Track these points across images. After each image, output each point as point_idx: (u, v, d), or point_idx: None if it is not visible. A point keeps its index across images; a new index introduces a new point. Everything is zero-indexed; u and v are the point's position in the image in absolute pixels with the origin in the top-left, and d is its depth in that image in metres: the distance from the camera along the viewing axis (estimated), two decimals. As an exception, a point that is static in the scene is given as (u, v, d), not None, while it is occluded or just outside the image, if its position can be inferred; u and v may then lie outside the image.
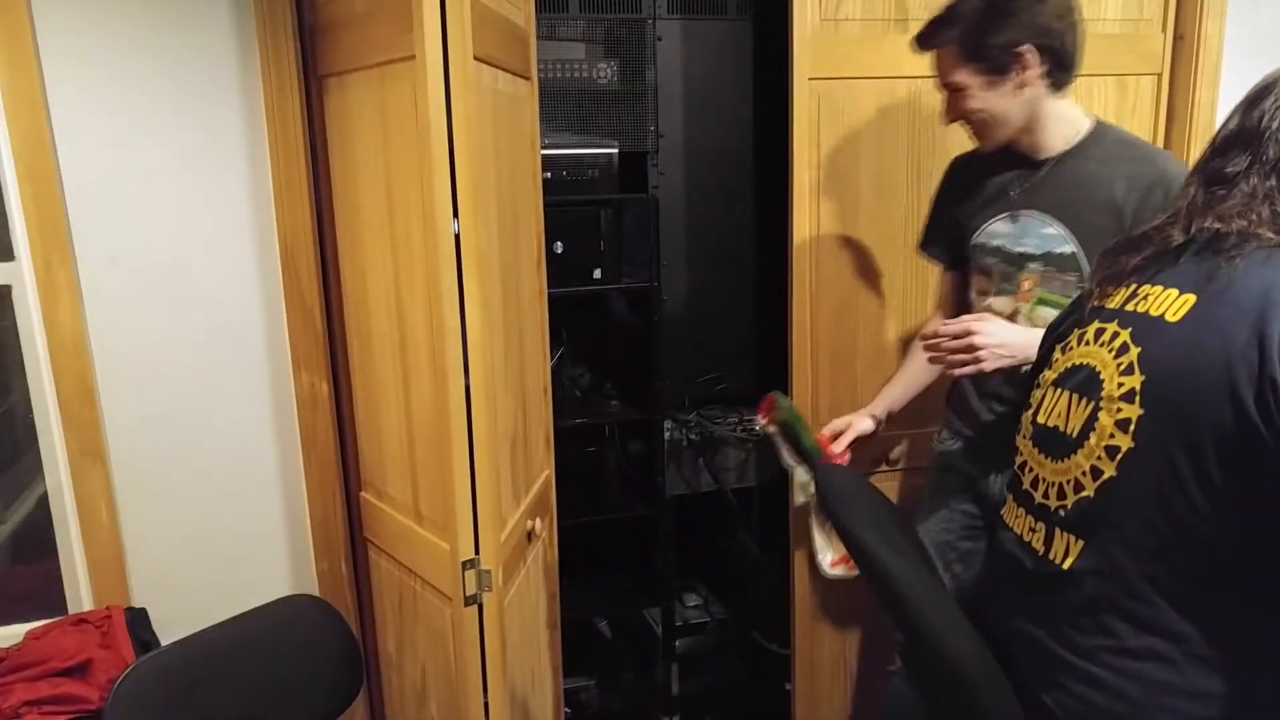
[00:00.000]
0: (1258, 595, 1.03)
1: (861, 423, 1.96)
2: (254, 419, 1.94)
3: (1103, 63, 2.26)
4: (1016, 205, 1.79)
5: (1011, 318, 1.78)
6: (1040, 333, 1.48)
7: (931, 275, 2.15)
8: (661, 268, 2.32)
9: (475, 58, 1.49)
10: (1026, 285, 1.78)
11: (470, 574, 1.53)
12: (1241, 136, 1.13)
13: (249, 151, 1.85)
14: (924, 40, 1.77)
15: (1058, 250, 1.74)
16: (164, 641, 1.68)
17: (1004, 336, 1.61)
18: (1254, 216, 1.08)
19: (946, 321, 1.68)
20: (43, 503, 1.89)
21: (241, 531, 1.98)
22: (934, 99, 2.17)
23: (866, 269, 2.22)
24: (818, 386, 2.21)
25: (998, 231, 1.81)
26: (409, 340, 1.66)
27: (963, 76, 1.71)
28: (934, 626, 1.19)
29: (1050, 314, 1.70)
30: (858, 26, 2.14)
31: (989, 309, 1.81)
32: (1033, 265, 1.76)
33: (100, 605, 1.85)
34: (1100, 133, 1.75)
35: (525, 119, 1.93)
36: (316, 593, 2.00)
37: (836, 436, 1.96)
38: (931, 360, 1.73)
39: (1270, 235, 1.07)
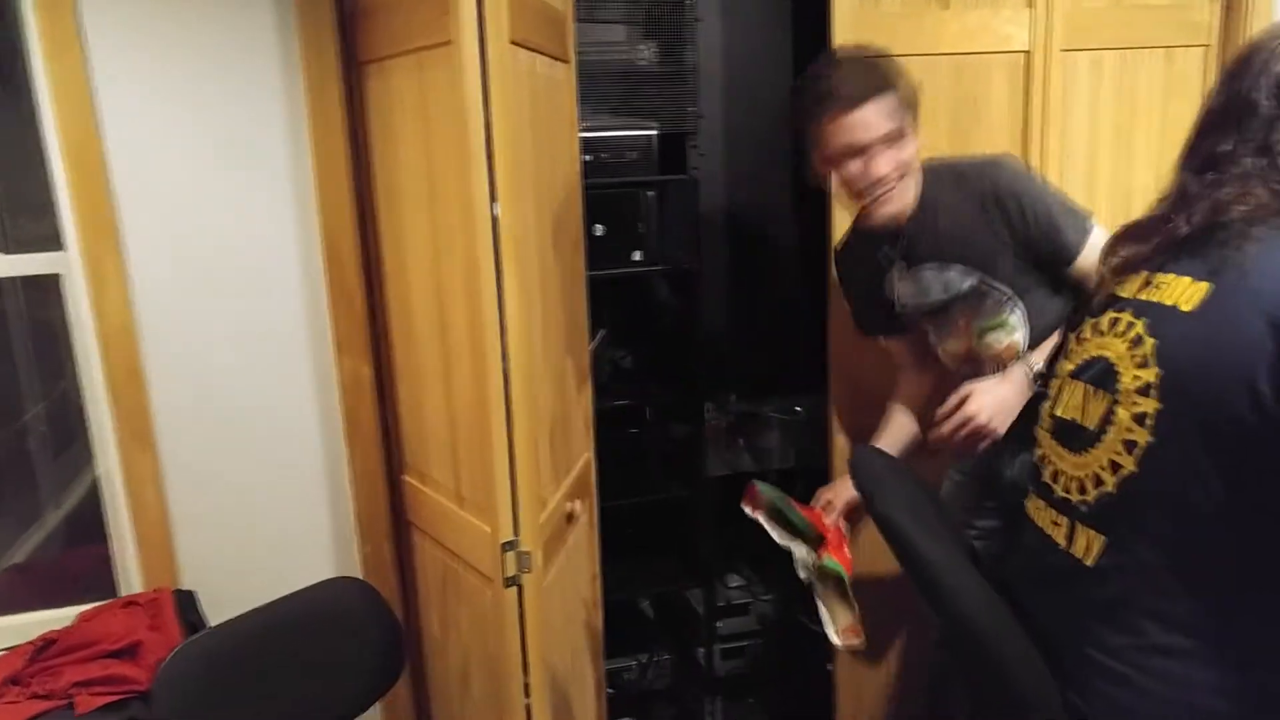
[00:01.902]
0: (1273, 598, 1.01)
1: (846, 491, 1.92)
2: (298, 404, 1.98)
3: (1149, 35, 2.21)
4: (903, 269, 1.82)
5: (967, 354, 1.83)
6: (1019, 369, 1.56)
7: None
8: (702, 250, 2.32)
9: (512, 42, 1.50)
10: (961, 324, 1.81)
11: (510, 555, 1.55)
12: (1226, 114, 1.10)
13: (291, 139, 1.88)
14: (853, 102, 1.64)
15: (963, 288, 1.77)
16: (212, 623, 1.72)
17: (996, 398, 1.63)
18: (1252, 199, 1.05)
19: (938, 418, 1.67)
20: (94, 489, 1.94)
21: (286, 515, 2.02)
22: (976, 75, 2.15)
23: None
24: (858, 370, 2.19)
25: (906, 293, 1.84)
26: (449, 325, 1.67)
27: (893, 128, 1.64)
28: (970, 611, 1.18)
29: (998, 336, 1.78)
30: (898, 3, 2.11)
31: (945, 353, 1.87)
32: (955, 307, 1.79)
33: (149, 588, 1.90)
34: (928, 172, 1.76)
35: (564, 102, 1.93)
36: (360, 575, 2.03)
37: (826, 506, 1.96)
38: (951, 452, 1.71)
39: (1272, 215, 1.03)
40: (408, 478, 2.00)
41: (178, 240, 1.86)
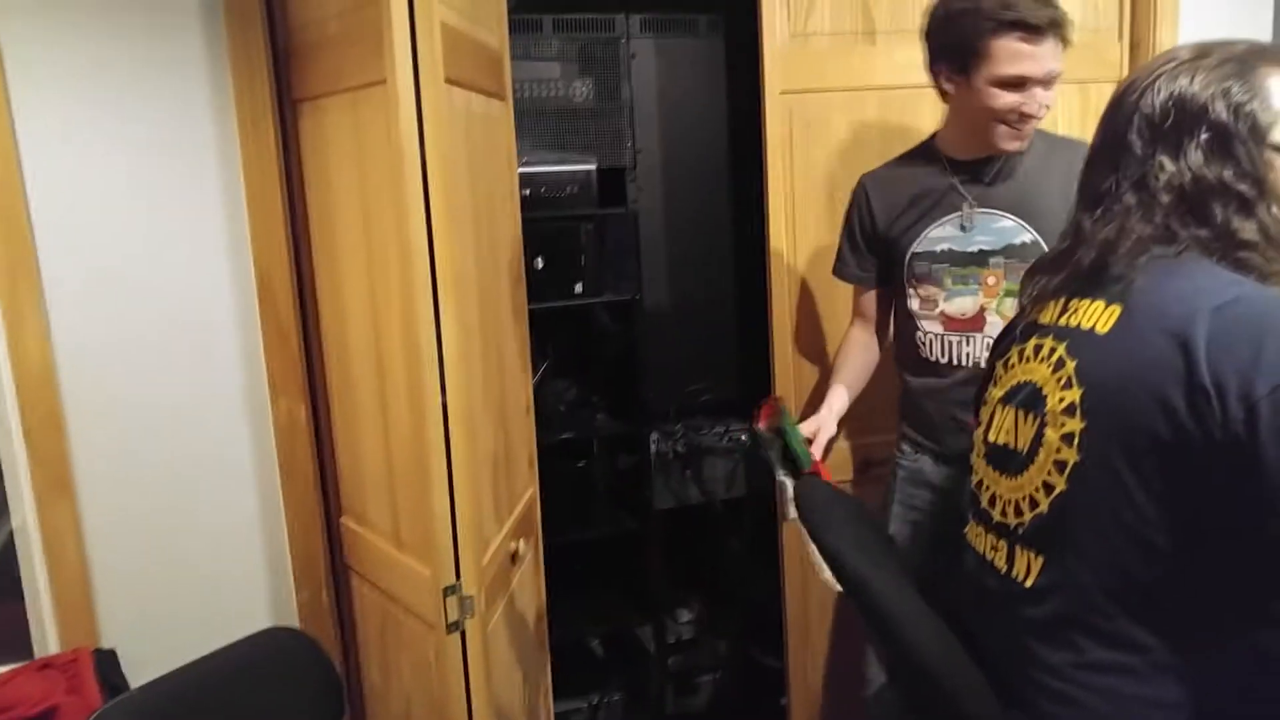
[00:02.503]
0: (1215, 603, 1.03)
1: (829, 425, 1.85)
2: (231, 446, 1.92)
3: (1066, 71, 2.28)
4: (970, 206, 1.79)
5: (978, 315, 1.79)
6: None
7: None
8: (643, 280, 2.32)
9: (447, 80, 1.49)
10: (991, 280, 1.78)
11: (452, 600, 1.52)
12: (1105, 151, 1.13)
13: (223, 177, 1.84)
14: (1055, 27, 1.64)
15: (1017, 241, 1.76)
16: (135, 684, 1.64)
17: None
18: (1134, 235, 1.08)
19: None
20: (9, 542, 1.86)
21: (218, 564, 1.95)
22: (904, 108, 2.19)
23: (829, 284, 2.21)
24: (800, 394, 2.21)
25: (943, 236, 1.81)
26: (386, 363, 1.65)
27: (1061, 69, 1.69)
28: (917, 639, 1.19)
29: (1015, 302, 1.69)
30: (826, 40, 2.15)
31: (943, 315, 1.82)
32: (994, 260, 1.78)
33: (67, 647, 1.81)
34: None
35: (501, 138, 1.92)
36: (297, 624, 1.97)
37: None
38: None
39: (1156, 248, 1.07)
40: (346, 520, 1.95)
41: (101, 280, 1.80)
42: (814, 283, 2.20)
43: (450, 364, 1.48)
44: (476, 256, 1.67)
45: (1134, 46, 2.35)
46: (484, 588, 1.58)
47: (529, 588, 1.99)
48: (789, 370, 2.19)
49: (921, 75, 2.18)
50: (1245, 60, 1.09)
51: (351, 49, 1.57)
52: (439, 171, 1.45)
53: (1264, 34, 2.43)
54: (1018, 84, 1.66)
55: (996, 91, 1.67)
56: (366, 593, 1.90)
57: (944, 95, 1.79)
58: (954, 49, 1.70)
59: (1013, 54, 1.64)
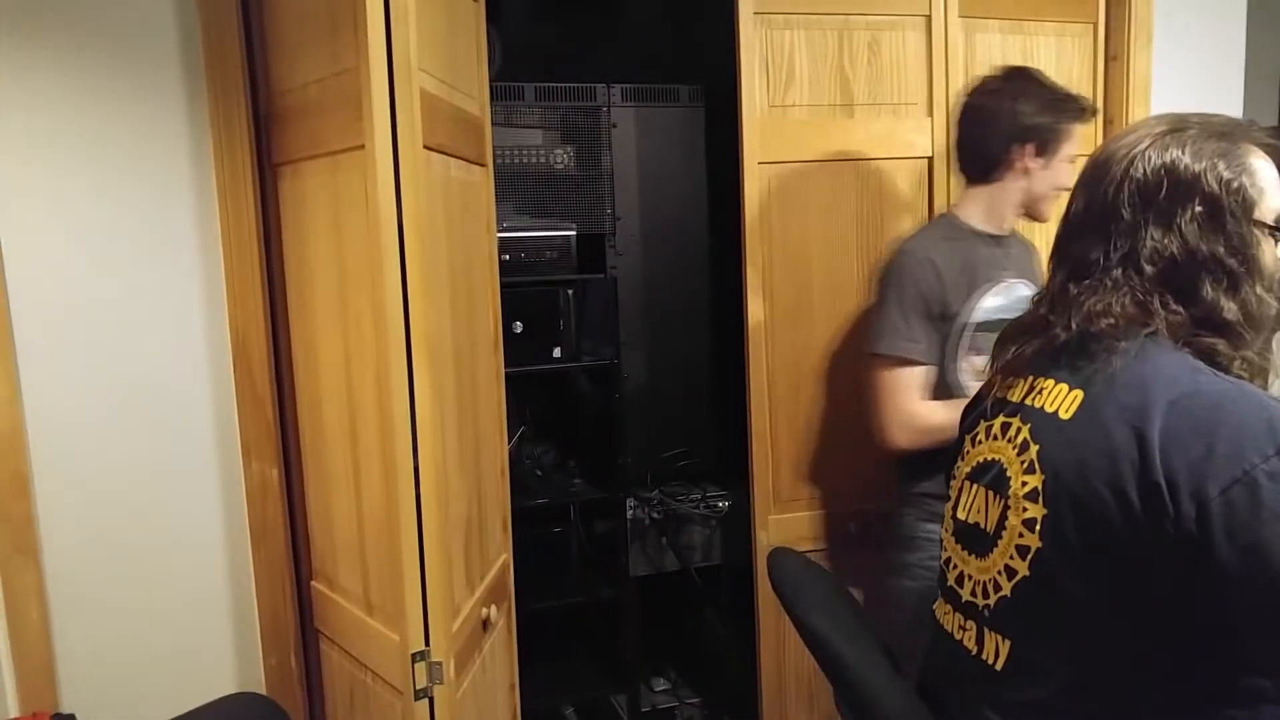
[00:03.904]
0: (1180, 687, 1.02)
1: None
2: (200, 509, 1.90)
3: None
4: (1007, 276, 1.90)
5: None
6: None
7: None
8: (621, 346, 2.34)
9: (426, 146, 1.51)
10: None
11: (420, 666, 1.49)
12: (1091, 218, 1.12)
13: (201, 239, 1.85)
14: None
15: None
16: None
17: None
18: (1118, 310, 1.07)
19: None
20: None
21: (185, 627, 1.91)
22: (881, 177, 2.24)
23: (820, 345, 2.23)
24: (777, 464, 2.21)
25: (993, 306, 1.86)
26: (360, 427, 1.64)
27: None
28: (890, 714, 1.17)
29: None
30: (804, 112, 2.20)
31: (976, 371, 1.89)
32: None
33: (26, 711, 1.77)
34: None
35: (480, 204, 1.94)
36: (264, 689, 1.92)
37: None
38: None
39: (1138, 326, 1.07)
40: (316, 585, 1.92)
41: (73, 342, 1.79)
42: (791, 351, 2.21)
43: (423, 428, 1.47)
44: (453, 320, 1.67)
45: (1108, 123, 2.42)
46: (454, 654, 1.55)
47: (501, 655, 1.96)
48: (766, 438, 2.19)
49: (899, 147, 2.25)
50: (1229, 135, 1.10)
51: (331, 114, 1.59)
52: (415, 236, 1.46)
53: (1235, 113, 2.50)
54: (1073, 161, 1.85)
55: (1070, 168, 1.85)
56: (336, 658, 1.86)
57: (988, 174, 1.91)
58: (1039, 132, 1.84)
59: (1080, 136, 1.89)
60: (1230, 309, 1.06)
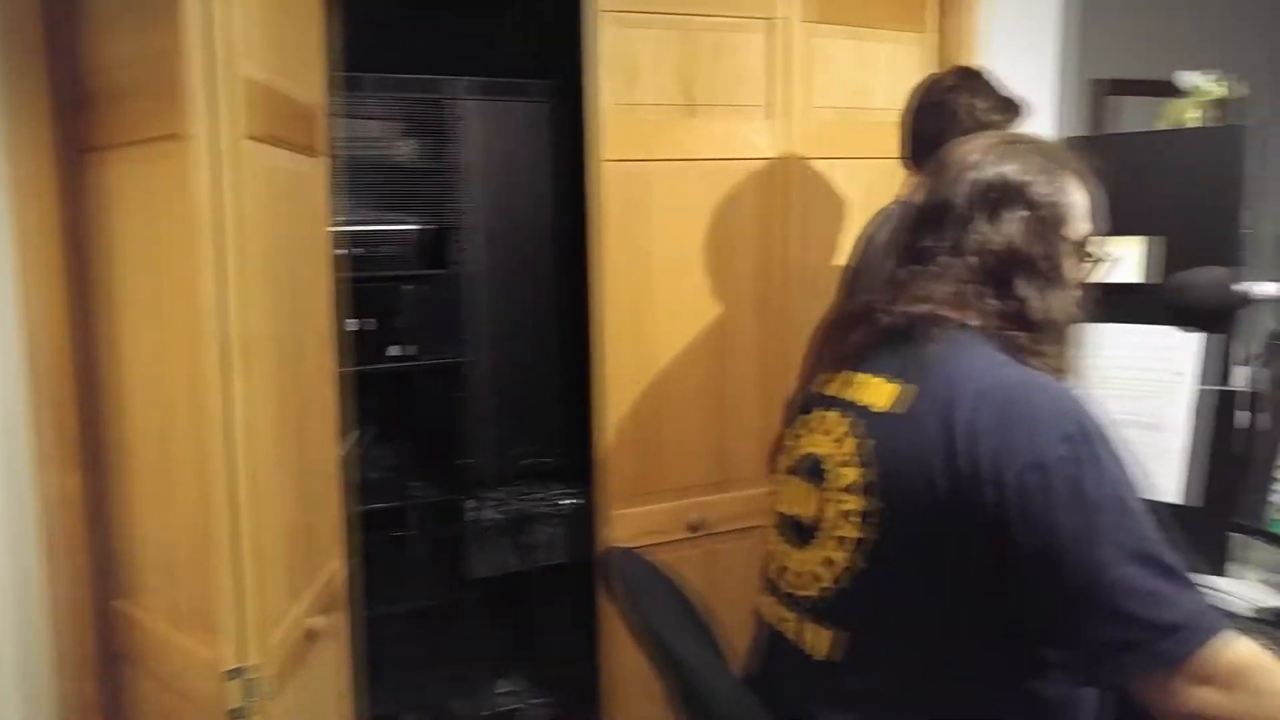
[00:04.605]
0: (996, 663, 1.07)
1: None
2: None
3: (878, 146, 2.37)
4: None
5: None
6: None
7: (735, 343, 2.18)
8: (466, 344, 2.29)
9: (251, 136, 1.44)
10: None
11: (236, 684, 1.41)
12: (928, 211, 1.21)
13: (-6, 232, 1.70)
14: None
15: None
16: None
17: None
18: (939, 297, 1.15)
19: None
20: None
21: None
22: (727, 179, 2.27)
23: (665, 341, 2.24)
24: (623, 458, 2.21)
25: None
26: (173, 432, 1.55)
27: None
28: (724, 715, 1.19)
29: None
30: (650, 111, 2.20)
31: None
32: None
33: None
34: None
35: (313, 196, 1.86)
36: None
37: None
38: None
39: (951, 314, 1.14)
40: (120, 603, 1.79)
41: None
42: (636, 347, 2.21)
43: (241, 431, 1.40)
44: (277, 318, 1.60)
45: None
46: (274, 669, 1.48)
47: (331, 667, 1.89)
48: (611, 434, 2.19)
49: (742, 148, 2.29)
50: (1055, 159, 1.22)
51: (146, 98, 1.50)
52: (235, 230, 1.38)
53: (1047, 119, 2.64)
54: None
55: None
56: (142, 681, 1.74)
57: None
58: (993, 127, 1.88)
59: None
60: (1037, 307, 1.15)
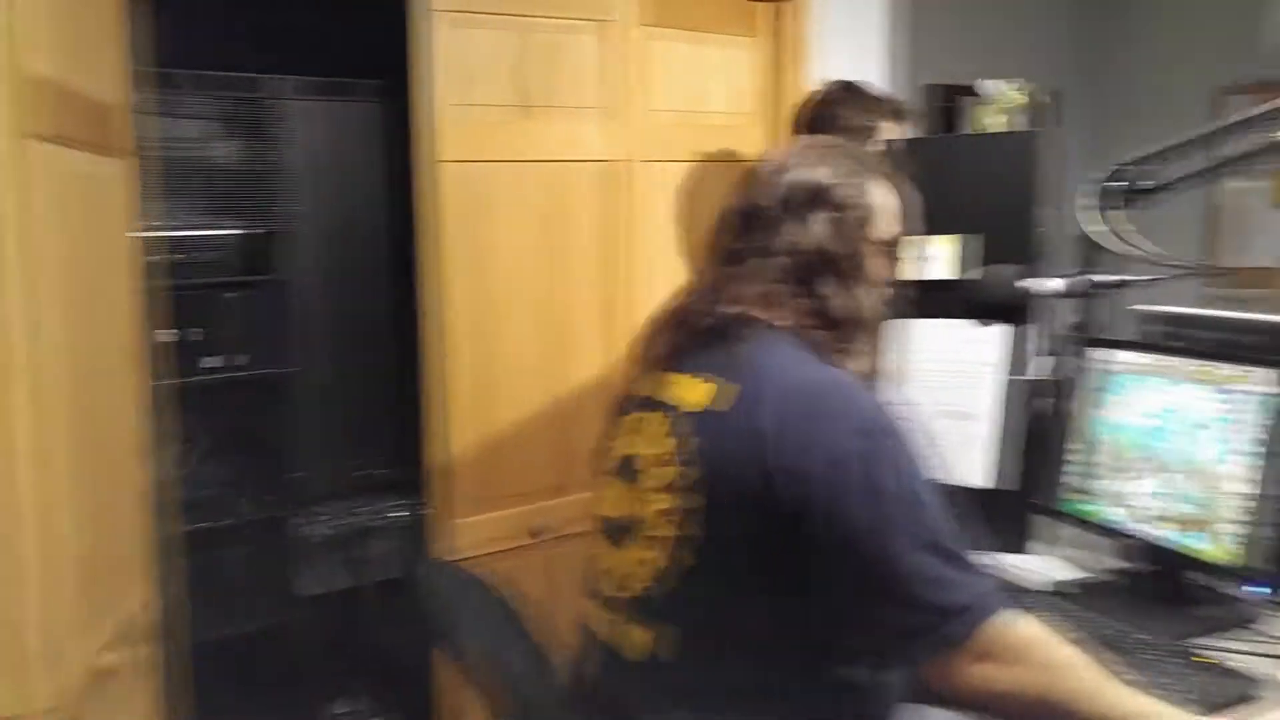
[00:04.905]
0: (811, 652, 1.10)
1: None
2: None
3: (716, 149, 2.47)
4: None
5: None
6: None
7: (576, 345, 2.17)
8: (297, 352, 2.20)
9: (37, 136, 1.33)
10: None
11: (17, 730, 1.31)
12: (741, 215, 1.24)
13: None
14: None
15: None
16: None
17: None
18: (750, 297, 1.18)
19: None
20: None
21: None
22: (565, 182, 2.25)
23: (508, 347, 2.21)
24: (464, 468, 2.16)
25: None
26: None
27: None
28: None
29: None
30: (486, 112, 2.17)
31: None
32: None
33: None
34: None
35: (114, 200, 1.75)
36: None
37: None
38: None
39: (761, 314, 1.17)
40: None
41: None
42: (477, 354, 2.17)
43: (22, 457, 1.29)
44: (73, 331, 1.49)
45: (775, 126, 2.57)
46: (63, 711, 1.38)
47: (137, 705, 1.77)
48: (452, 442, 2.15)
49: (580, 150, 2.28)
50: (863, 163, 1.26)
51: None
52: (18, 236, 1.28)
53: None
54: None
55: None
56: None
57: None
58: (869, 132, 2.05)
59: (892, 130, 2.08)
60: (841, 305, 1.19)
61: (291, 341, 2.18)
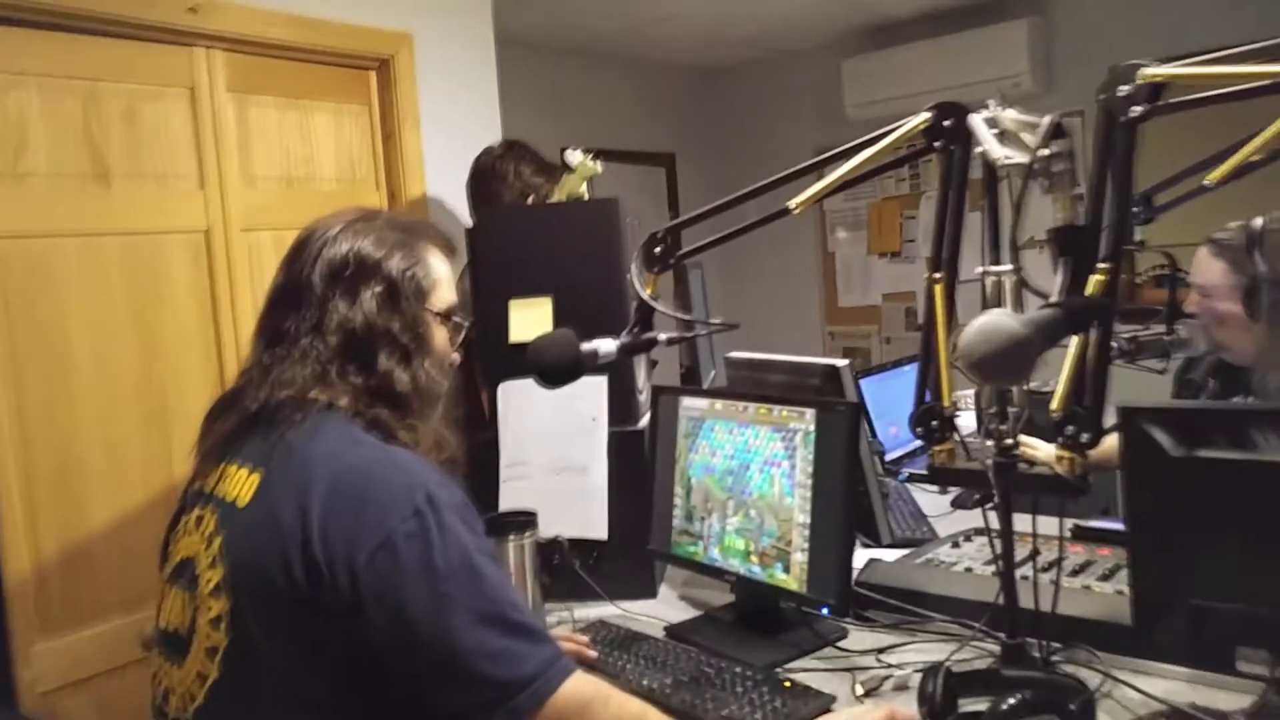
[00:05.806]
0: None
1: None
2: None
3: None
4: None
5: None
6: None
7: (182, 428, 2.01)
8: None
9: None
10: None
11: None
12: (287, 293, 1.18)
13: None
14: None
15: None
16: None
17: None
18: (301, 380, 1.12)
19: None
20: None
21: None
22: (153, 254, 2.07)
23: (92, 436, 1.97)
24: (45, 579, 1.90)
25: None
26: None
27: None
28: None
29: None
30: (46, 181, 1.95)
31: None
32: None
33: None
34: None
35: None
36: None
37: None
38: None
39: (319, 395, 1.12)
40: None
41: None
42: (53, 447, 1.92)
43: None
44: None
45: (391, 195, 2.57)
46: None
47: None
48: (24, 553, 1.86)
49: (170, 220, 2.10)
50: (412, 231, 1.22)
51: None
52: None
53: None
54: None
55: None
56: None
57: None
58: (535, 188, 2.29)
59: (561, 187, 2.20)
60: (402, 380, 1.15)
61: None
